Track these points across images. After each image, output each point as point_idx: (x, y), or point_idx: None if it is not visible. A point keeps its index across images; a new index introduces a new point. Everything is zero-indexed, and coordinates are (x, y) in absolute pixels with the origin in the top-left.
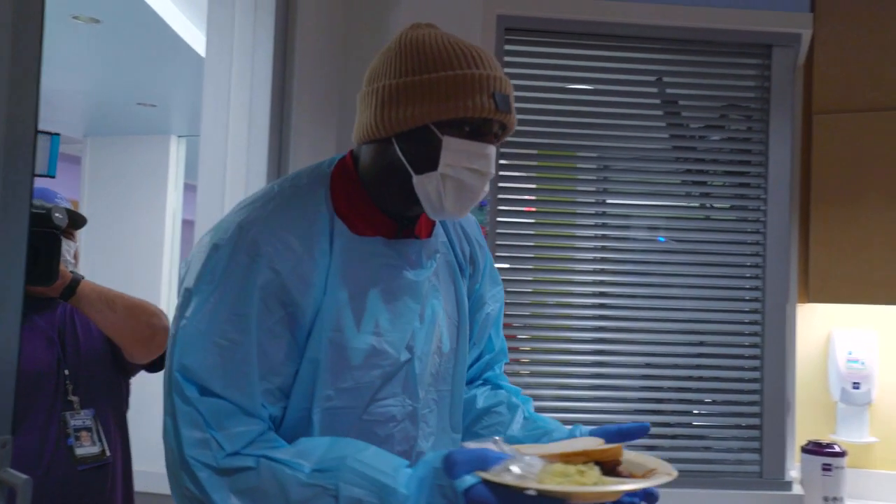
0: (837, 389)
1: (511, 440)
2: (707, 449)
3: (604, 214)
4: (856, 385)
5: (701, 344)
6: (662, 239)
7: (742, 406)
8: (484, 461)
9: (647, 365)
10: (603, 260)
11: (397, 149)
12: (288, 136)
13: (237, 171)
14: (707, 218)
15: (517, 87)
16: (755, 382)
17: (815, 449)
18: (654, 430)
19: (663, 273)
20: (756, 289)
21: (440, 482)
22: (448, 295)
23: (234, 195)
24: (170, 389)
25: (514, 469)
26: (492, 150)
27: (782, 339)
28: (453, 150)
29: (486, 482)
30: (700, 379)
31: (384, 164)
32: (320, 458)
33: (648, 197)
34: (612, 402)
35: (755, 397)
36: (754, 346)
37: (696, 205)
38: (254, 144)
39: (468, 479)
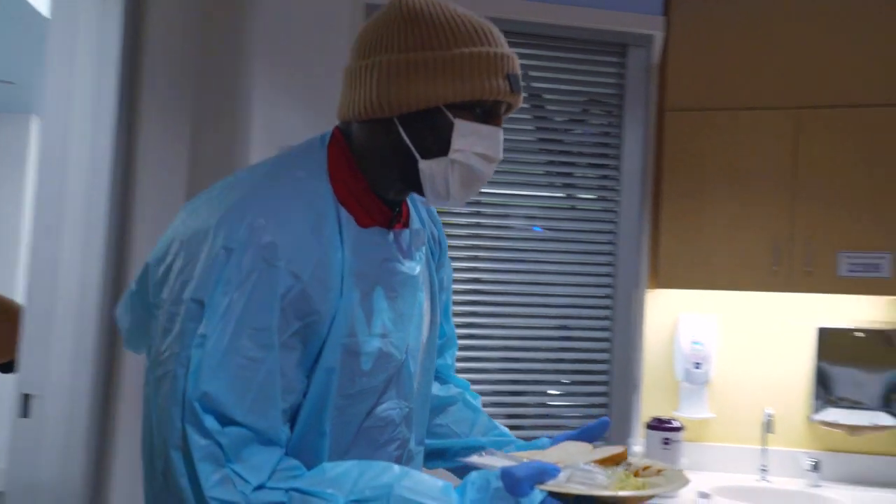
0: (682, 370)
1: (476, 444)
2: (560, 427)
3: (478, 203)
4: (697, 365)
5: (562, 328)
6: (538, 228)
7: (593, 386)
8: (543, 474)
9: (513, 348)
10: (476, 247)
11: (402, 130)
12: (137, 114)
13: (81, 150)
14: (572, 208)
15: None
16: (605, 364)
17: (657, 425)
18: (513, 411)
19: (531, 260)
20: (609, 275)
21: (501, 502)
22: (425, 283)
23: (78, 177)
24: (181, 420)
25: (580, 477)
26: (501, 134)
27: (631, 323)
28: (465, 134)
29: (554, 494)
30: (559, 361)
31: (385, 147)
32: (353, 487)
33: (519, 187)
34: (480, 384)
35: (605, 377)
36: (605, 329)
37: (562, 195)
38: (99, 121)
39: (537, 495)
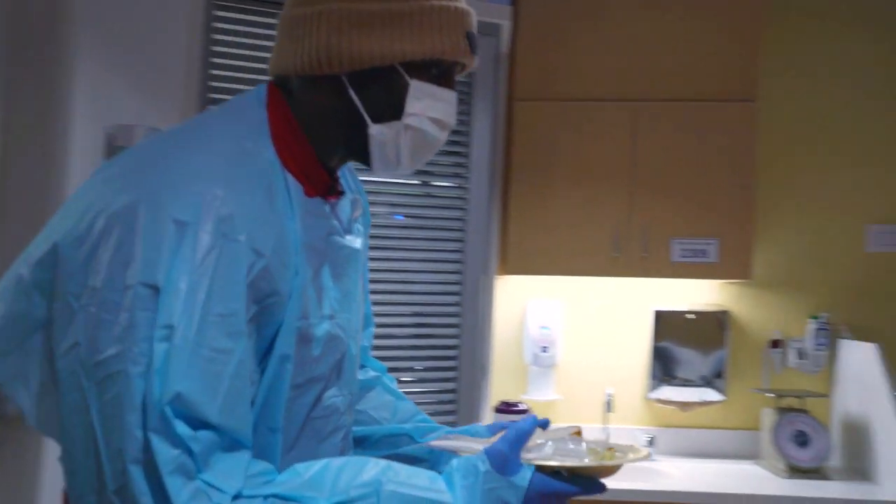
0: (530, 354)
1: (399, 431)
2: None
3: None
4: (545, 349)
5: (417, 314)
6: (400, 216)
7: (444, 371)
8: (524, 436)
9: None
10: None
11: (351, 91)
12: None
13: None
14: (427, 195)
15: (231, 57)
16: (454, 349)
17: (504, 408)
18: None
19: (389, 247)
20: (460, 262)
21: (491, 485)
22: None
23: None
24: (141, 429)
25: (564, 450)
26: (456, 98)
27: (480, 309)
28: (420, 97)
29: (542, 468)
30: (413, 347)
31: (331, 108)
32: (333, 487)
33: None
34: None
35: (454, 363)
36: (456, 315)
37: (418, 181)
38: None
39: (526, 473)
